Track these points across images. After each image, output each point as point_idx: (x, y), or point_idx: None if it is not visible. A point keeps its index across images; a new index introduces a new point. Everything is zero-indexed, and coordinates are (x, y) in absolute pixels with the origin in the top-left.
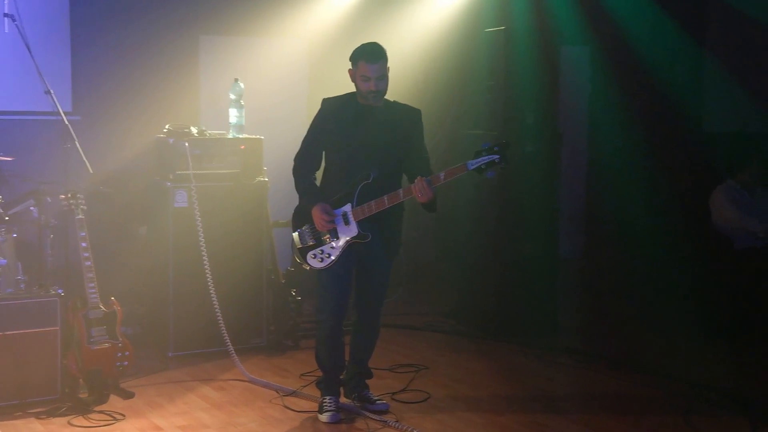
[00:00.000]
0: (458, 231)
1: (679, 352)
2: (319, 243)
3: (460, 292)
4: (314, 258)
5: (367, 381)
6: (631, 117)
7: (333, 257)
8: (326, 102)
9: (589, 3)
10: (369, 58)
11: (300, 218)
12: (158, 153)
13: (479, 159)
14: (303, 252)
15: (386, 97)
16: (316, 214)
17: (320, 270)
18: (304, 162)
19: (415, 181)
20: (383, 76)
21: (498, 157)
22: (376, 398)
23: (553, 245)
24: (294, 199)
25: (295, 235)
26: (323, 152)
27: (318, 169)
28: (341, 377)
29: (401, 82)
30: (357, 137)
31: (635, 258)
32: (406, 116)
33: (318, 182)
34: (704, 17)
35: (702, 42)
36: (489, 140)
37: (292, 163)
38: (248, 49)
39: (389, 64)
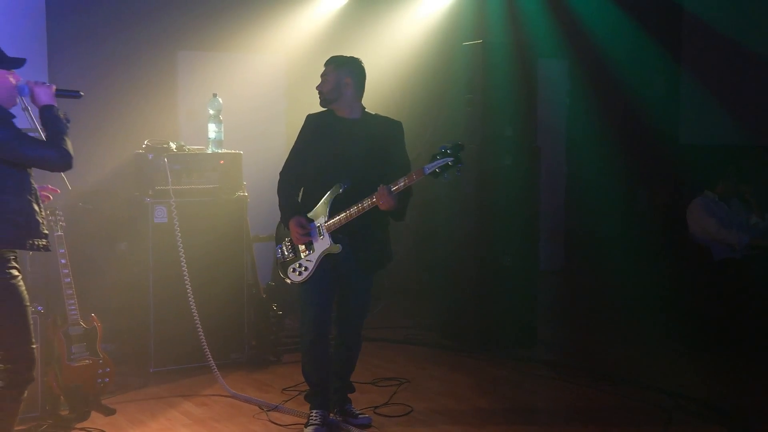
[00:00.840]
0: (438, 244)
1: (658, 362)
2: (298, 257)
3: (441, 305)
4: (293, 272)
5: (350, 395)
6: (608, 130)
7: (309, 270)
8: (309, 117)
9: (566, 17)
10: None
11: (280, 233)
12: (137, 168)
13: (434, 162)
14: (284, 266)
15: (367, 109)
16: (292, 227)
17: (300, 283)
18: (286, 177)
19: (378, 188)
20: (325, 80)
21: (452, 159)
22: (358, 412)
23: (533, 258)
24: (273, 214)
25: (277, 250)
26: (306, 167)
27: (302, 184)
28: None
29: (379, 96)
30: (334, 150)
31: (614, 270)
32: (385, 128)
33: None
34: (679, 32)
35: (678, 56)
36: (445, 144)
37: (271, 177)
38: (226, 64)
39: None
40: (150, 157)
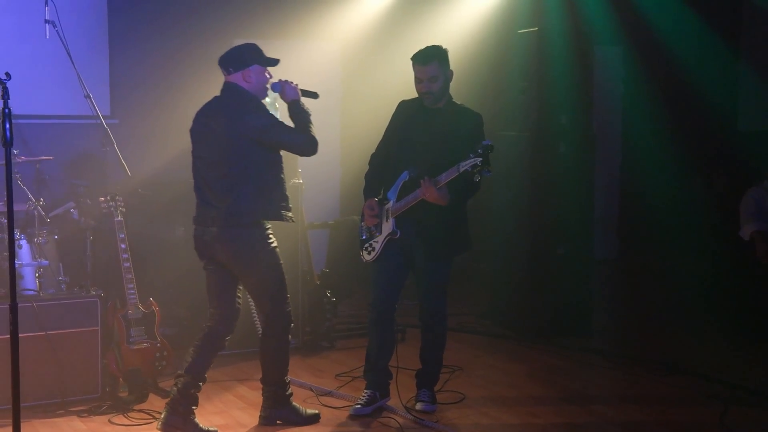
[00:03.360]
0: (493, 233)
1: (714, 352)
2: (370, 237)
3: (495, 293)
4: (365, 251)
5: (421, 384)
6: (664, 117)
7: (376, 251)
8: (400, 103)
9: (622, 3)
10: (420, 60)
11: (362, 215)
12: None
13: (468, 161)
14: (361, 245)
15: (453, 99)
16: (364, 209)
17: (370, 263)
18: (372, 161)
19: (422, 181)
20: (435, 78)
21: (481, 160)
22: (427, 400)
23: (588, 247)
24: (327, 201)
25: (360, 229)
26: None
27: (389, 168)
28: (389, 378)
29: None
30: (413, 137)
31: (669, 259)
32: (464, 119)
33: None
34: (739, 18)
35: (736, 41)
36: (480, 143)
37: (325, 165)
38: (282, 52)
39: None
40: None
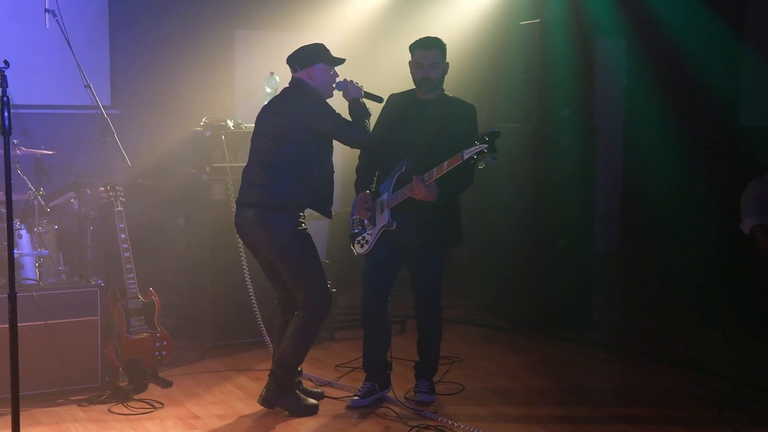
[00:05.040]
0: (493, 224)
1: (714, 347)
2: (363, 230)
3: (495, 285)
4: (358, 244)
5: (420, 375)
6: (666, 110)
7: (370, 244)
8: (390, 97)
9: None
10: (423, 46)
11: (355, 207)
12: (195, 146)
13: (472, 148)
14: (352, 239)
15: (445, 91)
16: (357, 202)
17: (363, 256)
18: (363, 156)
19: (413, 179)
20: (436, 65)
21: (486, 147)
22: (425, 390)
23: (588, 240)
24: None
25: (350, 223)
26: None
27: (381, 161)
28: (387, 370)
29: None
30: (406, 130)
31: (670, 253)
32: (457, 110)
33: None
34: (742, 7)
35: (740, 33)
36: (484, 130)
37: None
38: (283, 43)
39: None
40: (207, 134)
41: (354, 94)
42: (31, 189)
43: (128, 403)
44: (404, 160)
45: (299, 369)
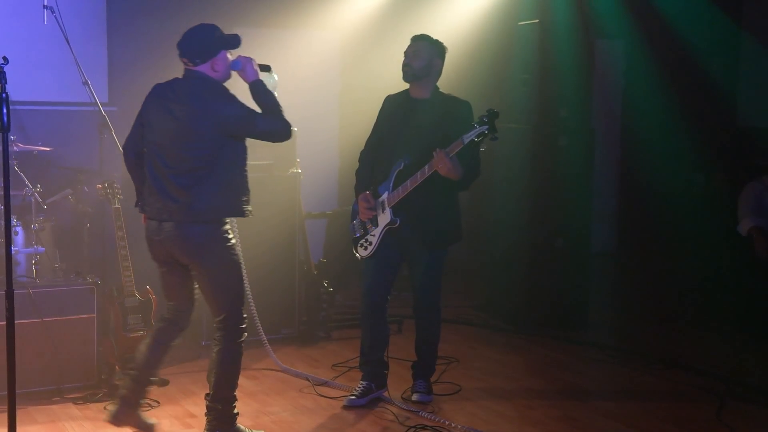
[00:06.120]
0: (491, 225)
1: (712, 348)
2: (365, 232)
3: (491, 286)
4: (361, 247)
5: (417, 375)
6: (665, 112)
7: (374, 245)
8: (386, 98)
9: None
10: (412, 39)
11: (354, 210)
12: None
13: (471, 132)
14: (355, 242)
15: (440, 89)
16: (359, 204)
17: (365, 258)
18: (362, 156)
19: (434, 153)
20: (417, 54)
21: (487, 127)
22: (422, 390)
23: (585, 240)
24: (325, 191)
25: (350, 227)
26: (381, 145)
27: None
28: (384, 369)
29: None
30: (402, 128)
31: (668, 254)
32: (452, 107)
33: None
34: (740, 9)
35: (739, 36)
36: (482, 113)
37: (324, 155)
38: (281, 41)
39: (447, 62)
40: None
41: (253, 74)
42: (28, 185)
43: None
44: (402, 157)
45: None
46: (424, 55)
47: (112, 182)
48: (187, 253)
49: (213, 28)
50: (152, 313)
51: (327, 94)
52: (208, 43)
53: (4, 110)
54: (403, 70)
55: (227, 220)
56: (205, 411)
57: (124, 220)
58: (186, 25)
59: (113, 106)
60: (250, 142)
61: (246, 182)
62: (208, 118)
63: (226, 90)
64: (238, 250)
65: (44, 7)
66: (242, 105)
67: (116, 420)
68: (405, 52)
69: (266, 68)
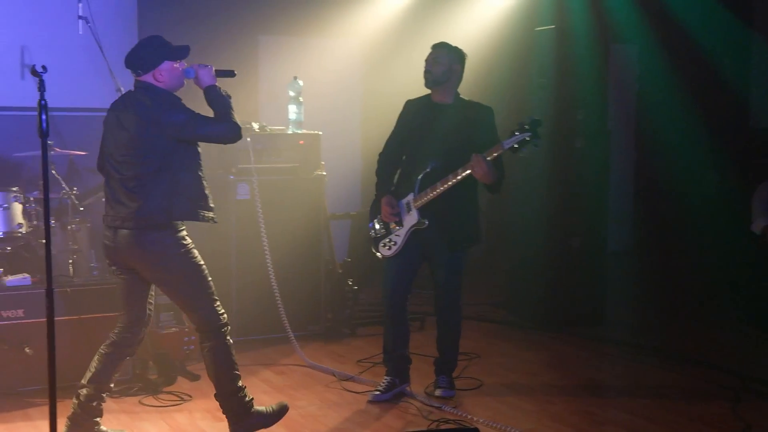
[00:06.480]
0: (510, 225)
1: (727, 344)
2: (388, 232)
3: (511, 283)
4: (384, 246)
5: (440, 371)
6: (678, 114)
7: (398, 245)
8: (407, 102)
9: (639, 1)
10: (433, 46)
11: (373, 212)
12: (221, 147)
13: (512, 138)
14: (376, 242)
15: (461, 95)
16: (382, 205)
17: (388, 257)
18: (383, 158)
19: (472, 157)
20: (438, 61)
21: (530, 134)
22: (445, 386)
23: (602, 239)
24: (349, 193)
25: (370, 226)
26: (402, 149)
27: (399, 165)
28: (407, 365)
29: None
30: (425, 132)
31: (682, 252)
32: (475, 113)
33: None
34: (752, 12)
35: (750, 38)
36: (523, 120)
37: (347, 158)
38: (305, 48)
39: (466, 68)
40: None
41: (207, 80)
42: (64, 188)
43: (158, 396)
44: (428, 160)
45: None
46: (443, 61)
47: None
48: (145, 264)
49: (155, 40)
50: None
51: (350, 99)
52: (148, 54)
53: (44, 117)
54: (424, 76)
55: (182, 227)
56: (222, 410)
57: None
58: (214, 34)
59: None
60: (277, 144)
61: (201, 186)
62: (152, 125)
63: (170, 97)
64: (197, 253)
65: (79, 17)
66: (186, 110)
67: None
68: (426, 59)
69: (230, 74)
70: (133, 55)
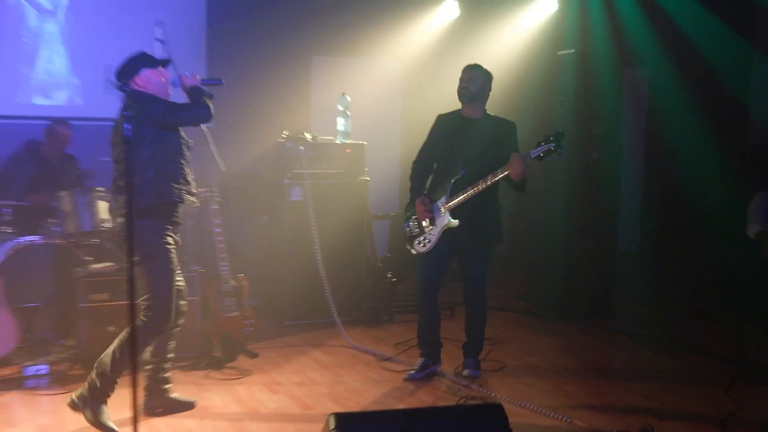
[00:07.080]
0: (531, 226)
1: (724, 335)
2: (422, 231)
3: (532, 278)
4: (419, 244)
5: (467, 354)
6: (683, 131)
7: (432, 242)
8: (439, 117)
9: (654, 28)
10: (466, 67)
11: (408, 212)
12: (277, 154)
13: (538, 148)
14: (411, 240)
15: (488, 111)
16: (417, 206)
17: (423, 254)
18: (416, 165)
19: (511, 157)
20: (473, 80)
21: (554, 145)
22: (471, 367)
23: (612, 241)
24: (389, 196)
25: (405, 225)
26: (434, 158)
27: (430, 172)
28: (438, 348)
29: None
30: (456, 143)
31: (685, 253)
32: (500, 127)
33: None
34: (753, 30)
35: (750, 64)
36: (548, 132)
37: (388, 166)
38: (353, 68)
39: (492, 87)
40: (288, 145)
41: (190, 83)
42: None
43: (222, 370)
44: (459, 168)
45: (115, 381)
46: (479, 80)
47: (211, 187)
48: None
49: (136, 53)
50: (245, 297)
51: (391, 114)
52: (128, 64)
53: (128, 126)
54: (460, 92)
55: (167, 224)
56: (88, 379)
57: (221, 218)
58: (273, 55)
59: (212, 123)
60: (326, 152)
61: (182, 172)
62: (140, 121)
63: (149, 95)
64: (173, 251)
65: (156, 39)
66: (164, 102)
67: (150, 410)
68: (461, 78)
69: (217, 81)
70: (118, 69)
